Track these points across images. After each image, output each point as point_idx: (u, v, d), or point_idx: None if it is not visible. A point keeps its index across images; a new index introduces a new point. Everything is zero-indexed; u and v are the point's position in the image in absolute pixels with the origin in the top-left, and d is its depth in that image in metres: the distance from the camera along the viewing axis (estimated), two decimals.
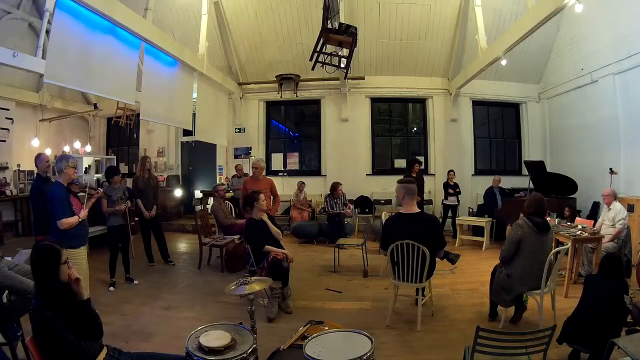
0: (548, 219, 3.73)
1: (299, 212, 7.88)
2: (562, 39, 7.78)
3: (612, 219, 4.67)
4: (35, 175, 5.46)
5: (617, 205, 4.70)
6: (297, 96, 8.85)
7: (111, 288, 4.59)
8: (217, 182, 8.75)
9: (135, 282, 4.85)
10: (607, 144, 6.77)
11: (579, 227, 4.76)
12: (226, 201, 6.51)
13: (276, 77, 8.65)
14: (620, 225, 4.56)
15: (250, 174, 8.07)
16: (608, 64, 6.54)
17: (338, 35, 5.06)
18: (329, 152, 9.01)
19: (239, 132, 9.28)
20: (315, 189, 8.73)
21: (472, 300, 4.15)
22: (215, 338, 2.06)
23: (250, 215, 4.24)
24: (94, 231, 6.09)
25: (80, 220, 3.39)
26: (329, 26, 5.04)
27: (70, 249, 3.26)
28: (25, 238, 7.48)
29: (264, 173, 5.40)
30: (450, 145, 8.82)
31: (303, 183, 8.12)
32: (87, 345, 1.90)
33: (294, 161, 9.44)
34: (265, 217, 4.15)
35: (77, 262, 3.35)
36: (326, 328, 2.41)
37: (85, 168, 8.66)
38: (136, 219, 5.42)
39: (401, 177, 6.79)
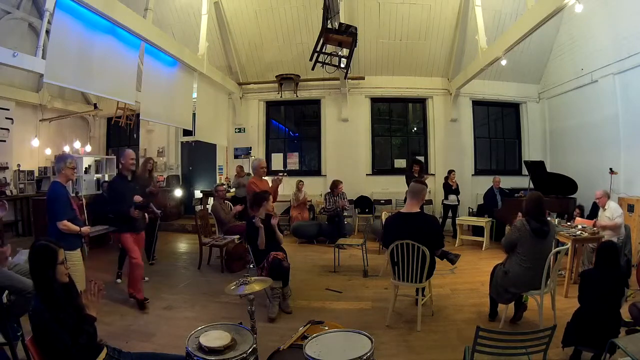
0: (549, 219, 3.71)
1: (299, 212, 7.88)
2: (562, 39, 7.78)
3: (608, 218, 4.68)
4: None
5: (611, 204, 4.72)
6: (297, 96, 8.85)
7: (118, 280, 4.81)
8: (217, 182, 8.75)
9: (146, 279, 4.84)
10: (607, 144, 6.76)
11: (579, 227, 4.77)
12: (226, 201, 6.51)
13: (276, 77, 8.66)
14: (620, 220, 4.57)
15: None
16: (608, 64, 6.54)
17: (338, 35, 5.05)
18: (329, 152, 9.01)
19: (239, 132, 9.28)
20: (315, 189, 8.72)
21: (472, 300, 4.15)
22: (215, 338, 2.06)
23: (255, 213, 4.21)
24: (94, 231, 6.10)
25: (80, 232, 3.40)
26: (329, 26, 5.03)
27: (66, 251, 3.27)
28: (25, 238, 7.48)
29: None
30: (450, 145, 8.82)
31: (301, 182, 8.10)
32: (86, 345, 1.90)
33: (294, 161, 9.45)
34: (275, 221, 4.09)
35: (73, 263, 3.34)
36: (326, 328, 2.41)
37: (85, 168, 8.65)
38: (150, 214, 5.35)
39: (402, 177, 6.87)
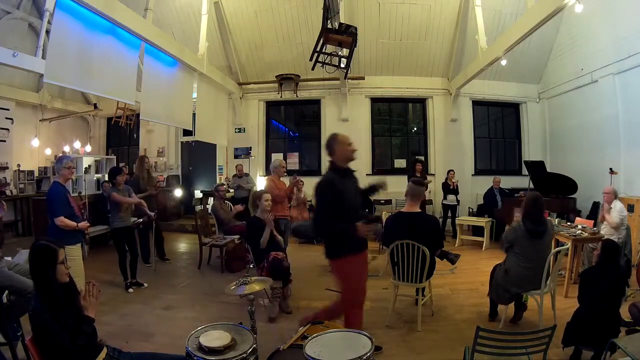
0: (548, 219, 3.71)
1: (299, 212, 7.86)
2: (562, 39, 7.78)
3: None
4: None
5: (617, 205, 4.71)
6: (297, 96, 8.84)
7: (130, 290, 4.56)
8: (217, 182, 8.75)
9: (145, 285, 4.75)
10: (607, 144, 6.76)
11: (579, 227, 4.77)
12: (226, 201, 6.51)
13: (276, 77, 8.65)
14: (619, 220, 4.56)
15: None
16: (608, 64, 6.54)
17: (338, 35, 5.06)
18: None
19: (239, 132, 9.27)
20: None
21: (472, 300, 4.15)
22: (215, 338, 2.05)
23: (254, 213, 4.20)
24: (94, 231, 6.12)
25: (77, 227, 3.49)
26: (329, 26, 5.04)
27: (67, 246, 3.32)
28: (25, 238, 7.48)
29: None
30: (450, 145, 8.82)
31: (301, 182, 8.04)
32: (86, 345, 1.90)
33: (294, 161, 9.43)
34: (270, 221, 3.99)
35: (72, 258, 3.38)
36: (326, 328, 2.41)
37: (85, 168, 8.64)
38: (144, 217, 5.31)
39: (402, 177, 6.86)
